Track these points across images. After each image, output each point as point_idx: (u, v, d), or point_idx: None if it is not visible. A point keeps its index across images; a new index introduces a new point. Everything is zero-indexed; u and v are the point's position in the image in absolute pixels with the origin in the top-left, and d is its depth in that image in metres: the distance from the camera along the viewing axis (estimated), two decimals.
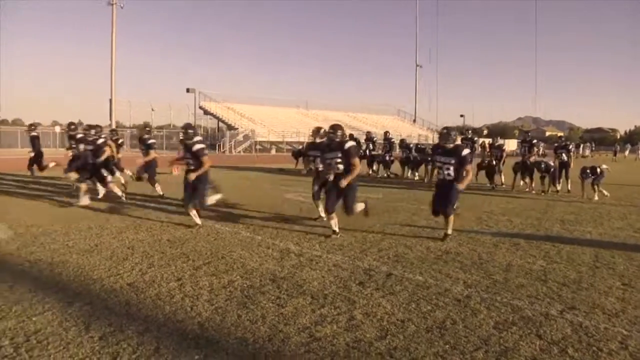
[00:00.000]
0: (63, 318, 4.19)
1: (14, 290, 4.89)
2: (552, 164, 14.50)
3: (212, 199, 8.69)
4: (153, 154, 11.71)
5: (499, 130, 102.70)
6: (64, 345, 3.68)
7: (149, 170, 11.73)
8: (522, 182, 15.70)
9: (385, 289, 5.08)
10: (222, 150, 47.39)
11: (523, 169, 15.31)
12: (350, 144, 7.43)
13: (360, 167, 7.49)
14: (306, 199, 11.96)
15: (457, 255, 6.55)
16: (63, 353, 3.56)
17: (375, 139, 22.57)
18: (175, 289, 5.00)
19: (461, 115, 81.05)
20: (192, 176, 7.86)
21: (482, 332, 4.04)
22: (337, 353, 3.61)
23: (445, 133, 7.50)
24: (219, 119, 55.94)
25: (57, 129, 48.19)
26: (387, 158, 20.85)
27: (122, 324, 4.08)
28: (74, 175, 11.19)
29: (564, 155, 15.16)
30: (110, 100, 50.40)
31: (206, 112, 56.54)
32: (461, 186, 7.25)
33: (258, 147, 49.72)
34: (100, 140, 11.20)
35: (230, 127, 52.34)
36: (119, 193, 11.25)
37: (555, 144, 16.54)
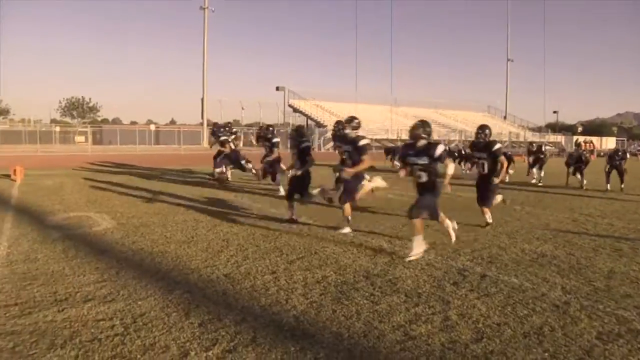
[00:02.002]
0: (165, 304, 4.49)
1: (120, 276, 5.32)
2: None
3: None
4: (277, 152, 12.66)
5: (595, 127, 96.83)
6: (167, 329, 3.95)
7: (273, 167, 12.69)
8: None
9: (480, 291, 5.00)
10: (311, 148, 47.98)
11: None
12: (440, 148, 6.81)
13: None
14: (396, 196, 11.95)
15: (553, 259, 6.30)
16: (166, 336, 3.82)
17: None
18: (270, 281, 5.19)
19: (554, 112, 77.20)
20: (350, 172, 7.75)
21: (584, 342, 3.85)
22: (432, 353, 3.60)
23: (481, 132, 8.63)
24: (307, 117, 56.82)
25: (152, 127, 50.96)
26: None
27: (220, 312, 4.30)
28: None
29: None
30: (202, 99, 52.61)
31: (295, 110, 57.66)
32: (496, 180, 8.34)
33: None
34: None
35: (318, 125, 53.02)
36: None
37: None
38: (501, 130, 64.07)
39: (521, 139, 66.47)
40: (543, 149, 18.29)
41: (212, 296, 4.72)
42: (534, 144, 19.91)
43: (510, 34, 73.15)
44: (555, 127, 78.19)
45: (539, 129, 76.60)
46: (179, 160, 26.43)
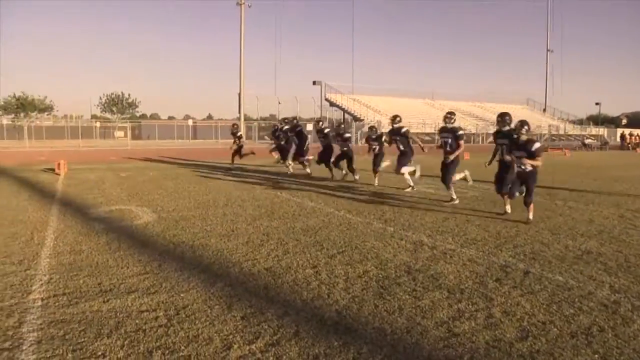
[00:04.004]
0: (207, 297, 4.56)
1: (162, 268, 5.43)
2: None
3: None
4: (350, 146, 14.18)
5: None
6: (210, 321, 4.01)
7: (345, 159, 14.37)
8: None
9: (523, 288, 4.90)
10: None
11: None
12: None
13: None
14: (436, 190, 11.86)
15: (599, 256, 6.12)
16: (209, 328, 3.88)
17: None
18: (311, 276, 5.21)
19: (597, 103, 75.03)
20: (450, 157, 10.01)
21: (638, 344, 3.73)
22: (476, 351, 3.56)
23: (501, 120, 8.94)
24: (344, 111, 56.77)
25: (190, 122, 51.71)
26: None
27: (262, 306, 4.34)
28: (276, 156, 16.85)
29: None
30: (239, 95, 53.09)
31: (332, 104, 57.68)
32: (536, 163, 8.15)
33: (384, 138, 49.70)
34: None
35: (356, 119, 52.89)
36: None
37: None
38: (540, 123, 62.76)
39: (561, 132, 64.99)
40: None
41: (254, 290, 4.77)
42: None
43: (550, 23, 71.75)
44: (597, 120, 76.20)
45: (580, 122, 74.82)
46: (216, 154, 26.74)
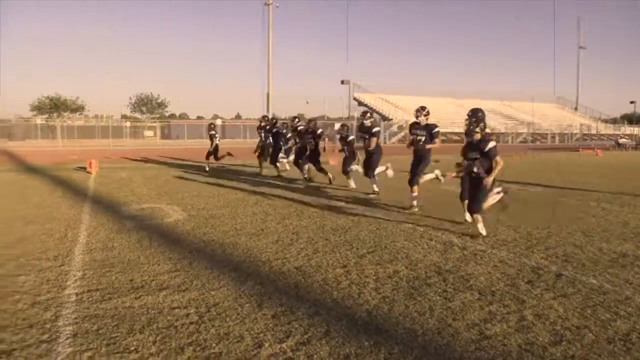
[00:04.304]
0: (237, 295, 4.59)
1: (193, 266, 5.49)
2: None
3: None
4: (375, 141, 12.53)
5: None
6: (241, 319, 4.03)
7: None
8: None
9: (556, 290, 4.80)
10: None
11: None
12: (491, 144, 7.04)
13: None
14: None
15: (636, 260, 5.94)
16: (240, 326, 3.90)
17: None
18: (341, 275, 5.20)
19: (631, 102, 72.95)
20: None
21: None
22: (509, 354, 3.49)
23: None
24: (373, 110, 56.66)
25: (219, 121, 52.13)
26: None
27: (293, 305, 4.34)
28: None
29: None
30: (267, 94, 53.39)
31: (360, 104, 57.56)
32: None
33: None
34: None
35: (384, 118, 52.77)
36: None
37: None
38: (572, 122, 61.65)
39: (593, 132, 63.70)
40: None
41: (284, 288, 4.78)
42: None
43: (581, 19, 70.50)
44: (632, 119, 74.41)
45: (613, 121, 73.13)
46: (244, 153, 26.86)
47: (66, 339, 3.72)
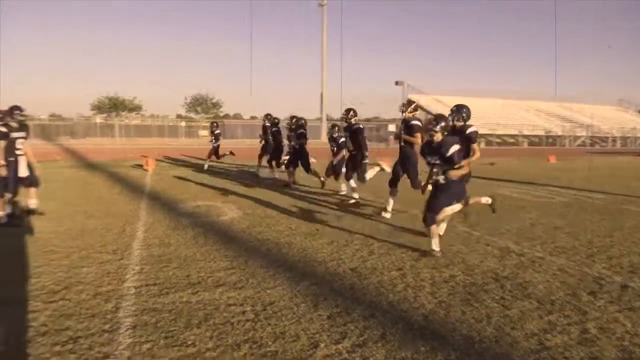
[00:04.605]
0: (293, 294, 4.60)
1: (249, 264, 5.54)
2: None
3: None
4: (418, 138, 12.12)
5: None
6: (296, 319, 4.03)
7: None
8: None
9: (621, 303, 4.56)
10: None
11: None
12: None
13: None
14: (520, 194, 11.46)
15: None
16: (296, 326, 3.89)
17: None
18: (397, 278, 5.13)
19: None
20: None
21: None
22: None
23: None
24: (426, 112, 55.95)
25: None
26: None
27: (348, 306, 4.31)
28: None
29: None
30: (321, 95, 53.65)
31: None
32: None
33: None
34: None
35: None
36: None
37: None
38: (635, 125, 59.15)
39: None
40: None
41: (340, 289, 4.75)
42: None
43: None
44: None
45: None
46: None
47: (126, 330, 3.83)
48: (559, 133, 54.85)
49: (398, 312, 4.23)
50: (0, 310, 4.27)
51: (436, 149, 5.98)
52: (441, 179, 5.93)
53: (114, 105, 65.61)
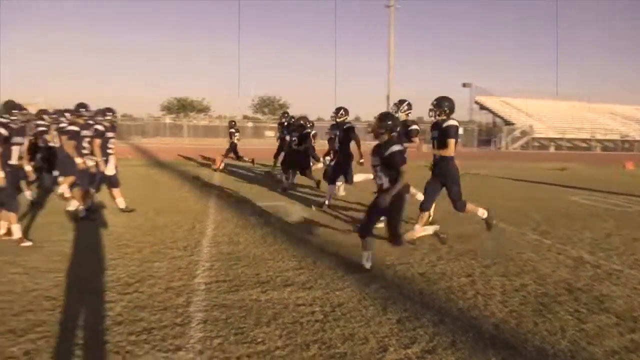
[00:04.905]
0: (361, 296, 4.60)
1: (317, 265, 5.59)
2: None
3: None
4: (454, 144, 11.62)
5: None
6: (365, 322, 4.03)
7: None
8: None
9: None
10: (497, 147, 46.39)
11: None
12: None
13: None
14: (594, 202, 10.98)
15: None
16: (365, 328, 3.89)
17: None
18: (466, 284, 5.04)
19: None
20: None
21: None
22: None
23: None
24: (494, 114, 54.63)
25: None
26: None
27: (417, 311, 4.27)
28: None
29: None
30: (387, 97, 53.30)
31: (482, 107, 55.72)
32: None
33: (535, 144, 47.28)
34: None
35: (506, 123, 50.71)
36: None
37: None
38: None
39: None
40: None
41: (409, 294, 4.72)
42: None
43: None
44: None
45: None
46: (365, 156, 27.00)
47: (197, 324, 3.95)
48: (637, 138, 52.17)
49: (468, 319, 4.16)
50: (80, 300, 4.49)
51: (379, 150, 5.43)
52: (385, 182, 5.34)
53: (182, 106, 67.41)
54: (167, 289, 4.73)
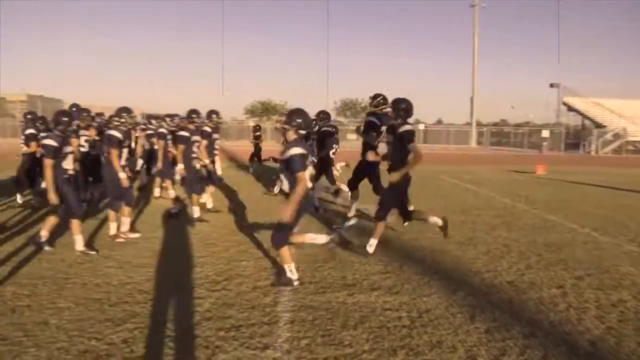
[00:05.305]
0: (449, 303, 4.52)
1: (403, 269, 5.55)
2: None
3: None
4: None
5: None
6: (453, 330, 3.96)
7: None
8: None
9: None
10: (586, 151, 44.26)
11: None
12: None
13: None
14: None
15: None
16: (453, 337, 3.83)
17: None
18: (557, 296, 4.82)
19: None
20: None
21: None
22: None
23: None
24: (584, 116, 51.97)
25: (422, 126, 52.16)
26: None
27: (507, 321, 4.14)
28: None
29: None
30: (471, 99, 52.16)
31: (570, 109, 53.13)
32: None
33: (629, 147, 44.66)
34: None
35: (597, 125, 48.15)
36: None
37: None
38: None
39: None
40: None
41: (497, 303, 4.58)
42: None
43: None
44: None
45: None
46: (447, 159, 26.60)
47: (285, 324, 4.03)
48: None
49: (560, 333, 3.98)
50: (170, 294, 4.71)
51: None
52: (286, 187, 4.97)
53: (265, 110, 68.79)
54: (254, 288, 4.86)
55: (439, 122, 75.66)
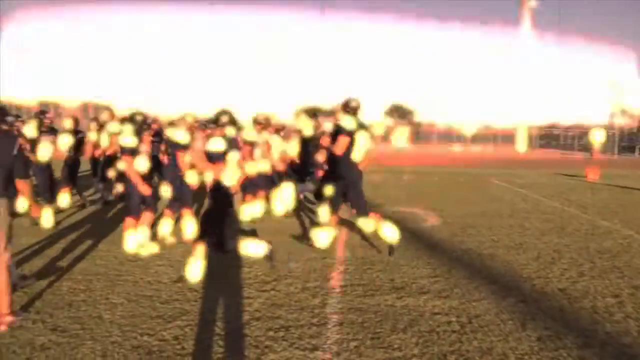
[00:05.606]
0: (499, 309, 4.42)
1: (452, 273, 5.47)
2: None
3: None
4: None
5: None
6: (504, 336, 3.87)
7: None
8: None
9: None
10: None
11: None
12: None
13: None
14: None
15: None
16: (503, 344, 3.75)
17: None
18: (613, 305, 4.64)
19: None
20: None
21: None
22: None
23: None
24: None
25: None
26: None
27: (559, 330, 4.02)
28: None
29: None
30: None
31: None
32: None
33: None
34: None
35: None
36: None
37: None
38: None
39: None
40: None
41: (549, 310, 4.45)
42: None
43: None
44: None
45: None
46: (493, 161, 26.03)
47: (334, 326, 4.04)
48: None
49: (618, 345, 3.82)
50: (220, 293, 4.79)
51: None
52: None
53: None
54: (303, 289, 4.88)
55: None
